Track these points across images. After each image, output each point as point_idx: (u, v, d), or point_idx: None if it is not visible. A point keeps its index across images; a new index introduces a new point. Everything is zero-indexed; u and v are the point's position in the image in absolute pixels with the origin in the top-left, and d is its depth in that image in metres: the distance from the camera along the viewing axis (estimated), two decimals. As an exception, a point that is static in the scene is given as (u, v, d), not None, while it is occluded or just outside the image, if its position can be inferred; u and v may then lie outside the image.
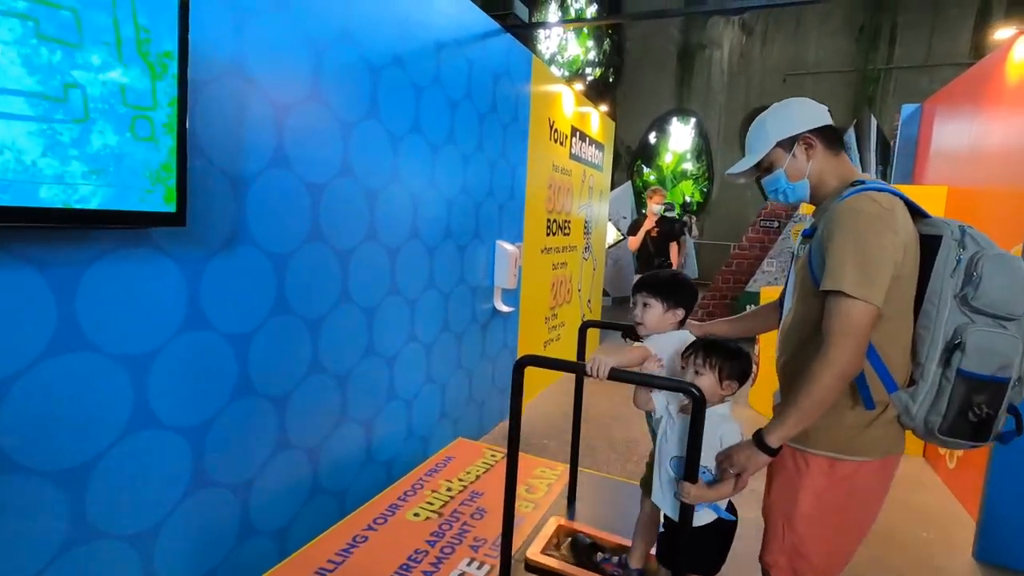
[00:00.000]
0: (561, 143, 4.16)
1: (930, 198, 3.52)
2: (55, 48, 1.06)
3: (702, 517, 1.40)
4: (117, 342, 1.33)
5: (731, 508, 1.43)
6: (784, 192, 1.36)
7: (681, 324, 1.58)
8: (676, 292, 1.55)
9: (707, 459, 1.35)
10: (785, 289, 1.44)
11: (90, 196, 1.14)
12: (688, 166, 13.52)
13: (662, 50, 13.02)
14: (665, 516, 1.44)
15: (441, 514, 1.98)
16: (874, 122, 6.74)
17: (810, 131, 1.32)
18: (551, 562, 1.72)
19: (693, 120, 13.24)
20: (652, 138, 13.73)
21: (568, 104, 4.23)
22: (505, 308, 3.31)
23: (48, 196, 1.08)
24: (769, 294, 4.29)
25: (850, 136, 6.76)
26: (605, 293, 7.57)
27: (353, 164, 2.03)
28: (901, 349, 1.23)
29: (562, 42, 12.11)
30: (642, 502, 1.70)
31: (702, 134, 13.20)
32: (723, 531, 1.44)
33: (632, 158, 13.68)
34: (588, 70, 13.08)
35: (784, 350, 1.37)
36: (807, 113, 1.35)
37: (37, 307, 1.19)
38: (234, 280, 1.61)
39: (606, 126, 5.50)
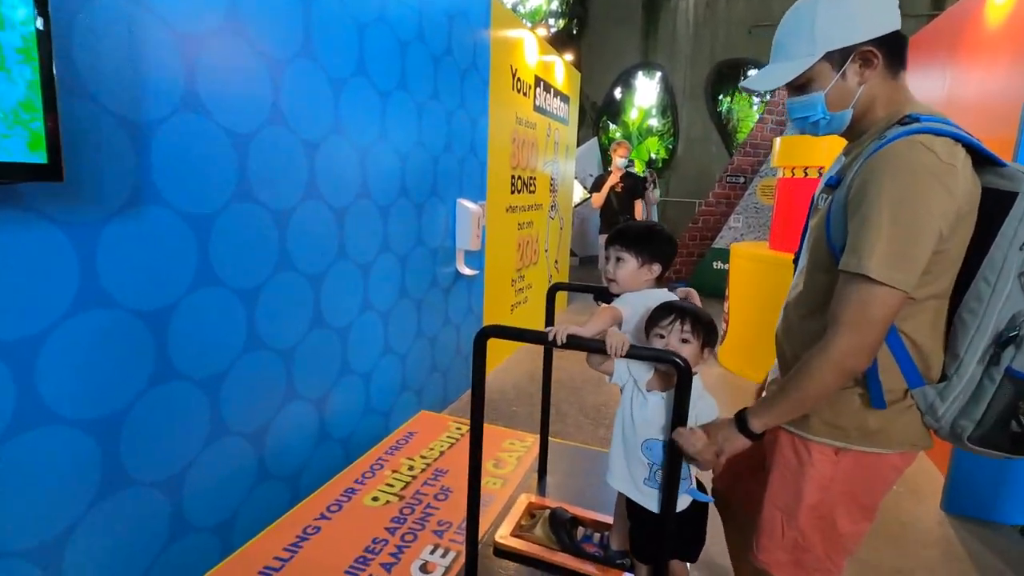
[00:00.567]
0: (525, 94, 3.90)
1: (902, 148, 3.44)
2: None
3: (679, 503, 1.28)
4: (-12, 326, 1.09)
5: (701, 487, 1.31)
6: (816, 123, 1.07)
7: (658, 281, 1.43)
8: (652, 244, 1.39)
9: None
10: (800, 247, 1.23)
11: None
12: (654, 122, 13.32)
13: (627, 0, 12.59)
14: (635, 506, 1.31)
15: (402, 496, 1.83)
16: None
17: (873, 41, 0.98)
18: (521, 545, 1.59)
19: (659, 74, 12.95)
20: (618, 93, 13.42)
21: (531, 52, 3.95)
22: (469, 271, 3.12)
23: None
24: (739, 251, 4.21)
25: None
26: (572, 253, 7.44)
27: (285, 110, 1.76)
28: (933, 335, 1.00)
29: (524, -10, 11.54)
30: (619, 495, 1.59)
31: (668, 89, 12.96)
32: (700, 513, 1.33)
33: (597, 114, 13.38)
34: (551, 21, 12.57)
35: (785, 325, 1.18)
36: (874, 13, 0.98)
37: None
38: (142, 247, 1.36)
39: (571, 77, 5.23)
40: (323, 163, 1.94)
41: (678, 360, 1.10)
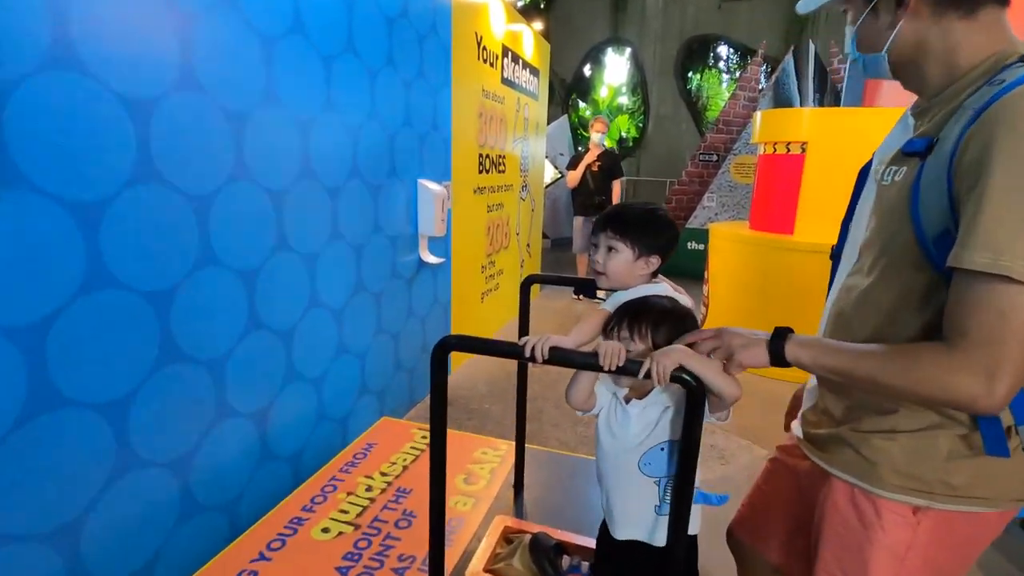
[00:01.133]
0: (492, 64, 3.60)
1: (884, 124, 3.28)
2: None
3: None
4: None
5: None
6: (855, 61, 0.93)
7: (654, 276, 1.20)
8: (652, 232, 1.16)
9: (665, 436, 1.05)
10: (844, 235, 1.01)
11: None
12: (624, 100, 13.09)
13: (595, -27, 12.24)
14: (630, 545, 1.11)
15: (358, 525, 1.58)
16: (812, 48, 6.51)
17: None
18: (497, 583, 1.38)
19: (628, 50, 12.69)
20: (587, 71, 13.12)
21: (498, 19, 3.64)
22: (433, 259, 2.85)
23: None
24: (719, 232, 4.04)
25: (788, 63, 6.52)
26: (544, 236, 7.21)
27: (199, 72, 1.45)
28: None
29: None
30: None
31: (637, 65, 12.72)
32: (690, 551, 1.13)
33: (567, 92, 13.06)
34: (518, -6, 12.14)
35: (842, 340, 0.89)
36: None
37: None
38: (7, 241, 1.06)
39: (541, 48, 4.94)
40: (252, 137, 1.64)
41: (686, 377, 0.87)
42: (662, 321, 1.02)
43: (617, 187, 5.00)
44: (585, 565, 1.44)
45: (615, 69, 13.17)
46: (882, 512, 0.86)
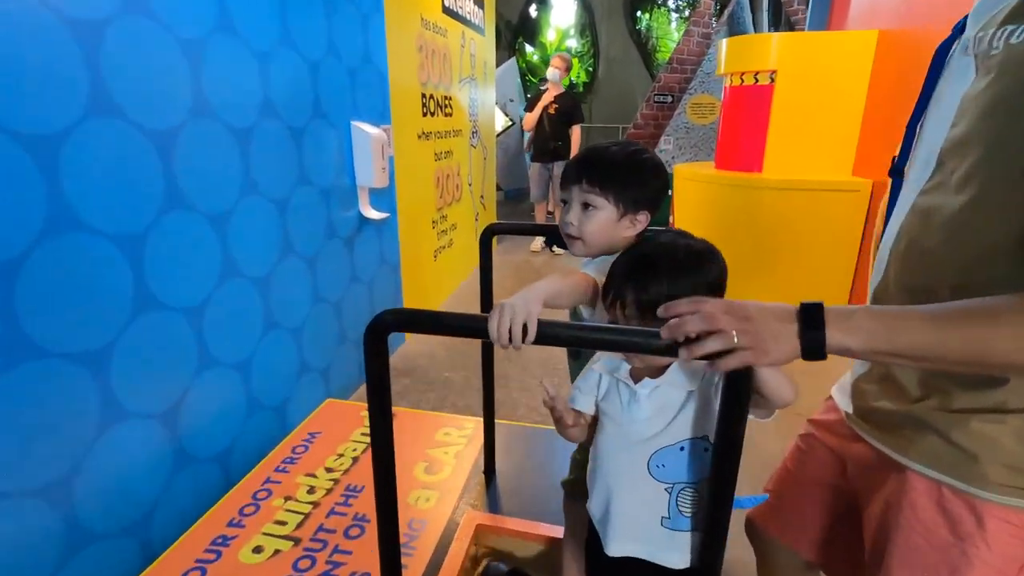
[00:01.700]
0: (429, -12, 3.16)
1: (856, 47, 3.08)
2: None
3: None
4: None
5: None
6: None
7: (640, 237, 0.94)
8: (638, 182, 0.91)
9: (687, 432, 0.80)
10: (909, 142, 0.76)
11: None
12: (572, 43, 12.55)
13: (537, -97, 11.44)
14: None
15: (298, 539, 1.30)
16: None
17: None
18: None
19: (575, -11, 12.08)
20: (533, 11, 12.45)
21: (433, -67, 3.18)
22: (376, 214, 2.50)
23: None
24: (683, 172, 3.81)
25: (742, -5, 6.25)
26: (498, 187, 6.85)
27: (18, -40, 1.04)
28: None
29: None
30: (566, 509, 1.16)
31: (586, 6, 12.15)
32: None
33: (513, 35, 12.40)
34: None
35: (910, 271, 0.69)
36: None
37: None
38: None
39: (484, -24, 4.46)
40: (115, 60, 1.24)
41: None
42: (679, 276, 0.75)
43: (576, 132, 4.67)
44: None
45: (562, 10, 12.57)
46: (985, 520, 0.64)
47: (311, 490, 1.47)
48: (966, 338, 0.55)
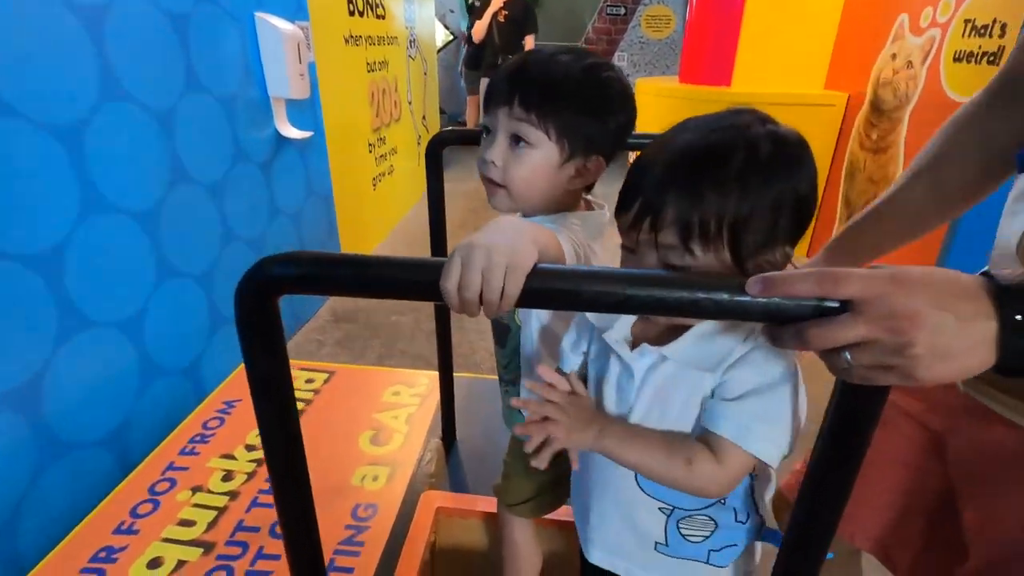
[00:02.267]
0: None
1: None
2: None
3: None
4: None
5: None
6: None
7: (589, 189, 0.71)
8: (597, 112, 0.63)
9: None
10: None
11: None
12: (516, -50, 11.57)
13: None
14: None
15: (211, 544, 1.03)
16: None
17: None
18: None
19: None
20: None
21: None
22: (297, 133, 2.07)
23: None
24: (646, 87, 3.48)
25: None
26: (441, 111, 6.32)
27: None
28: None
29: None
30: (506, 527, 0.93)
31: (529, -94, 11.11)
32: None
33: (450, -61, 11.25)
34: None
35: None
36: None
37: None
38: None
39: None
40: None
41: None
42: (761, 183, 0.47)
43: (530, 44, 4.21)
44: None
45: (504, -90, 11.43)
46: None
47: (227, 476, 1.18)
48: None
